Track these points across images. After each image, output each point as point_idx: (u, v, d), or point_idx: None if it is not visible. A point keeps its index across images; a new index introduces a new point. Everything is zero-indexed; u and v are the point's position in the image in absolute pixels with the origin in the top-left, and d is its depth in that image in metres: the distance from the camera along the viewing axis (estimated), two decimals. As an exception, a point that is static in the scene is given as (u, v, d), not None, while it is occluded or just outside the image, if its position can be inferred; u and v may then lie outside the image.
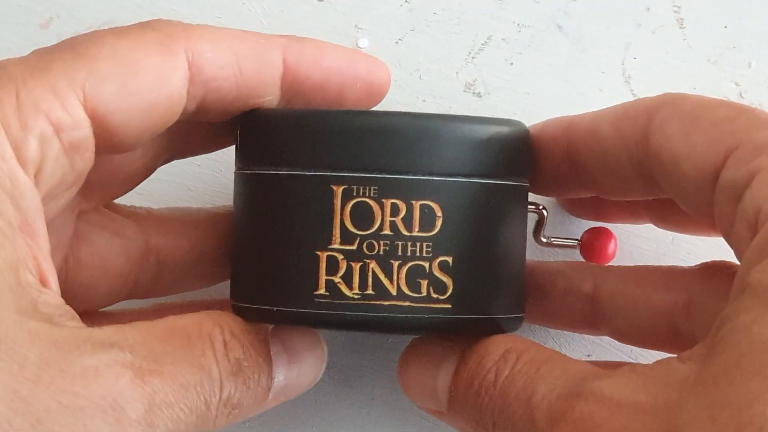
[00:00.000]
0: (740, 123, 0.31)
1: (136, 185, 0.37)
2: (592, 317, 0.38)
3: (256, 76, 0.34)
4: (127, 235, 0.37)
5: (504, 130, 0.34)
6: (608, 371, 0.30)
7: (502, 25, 0.44)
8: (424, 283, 0.33)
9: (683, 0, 0.42)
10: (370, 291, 0.33)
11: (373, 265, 0.33)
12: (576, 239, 0.40)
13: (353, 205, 0.33)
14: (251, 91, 0.34)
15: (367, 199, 0.33)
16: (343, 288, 0.33)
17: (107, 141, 0.32)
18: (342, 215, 0.33)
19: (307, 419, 0.41)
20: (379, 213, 0.33)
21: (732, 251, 0.31)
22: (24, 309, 0.29)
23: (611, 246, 0.40)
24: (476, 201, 0.33)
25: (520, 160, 0.35)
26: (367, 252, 0.33)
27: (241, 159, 0.35)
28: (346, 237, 0.33)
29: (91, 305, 0.36)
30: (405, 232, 0.33)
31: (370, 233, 0.33)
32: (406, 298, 0.33)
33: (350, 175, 0.33)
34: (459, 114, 0.35)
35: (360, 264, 0.33)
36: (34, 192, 0.30)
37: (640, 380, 0.29)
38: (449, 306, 0.33)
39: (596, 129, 0.34)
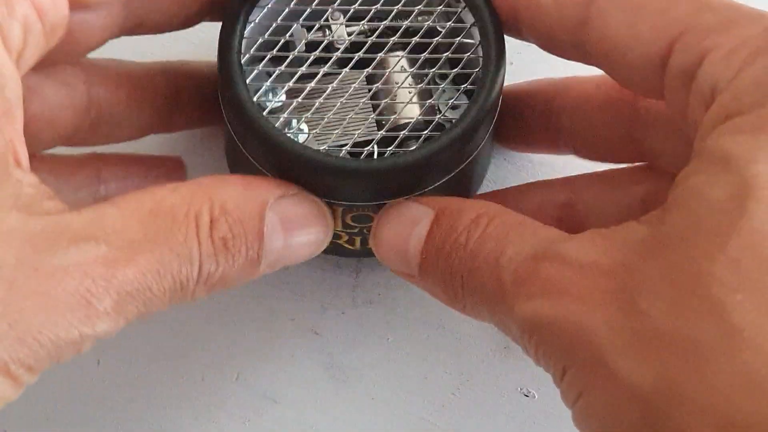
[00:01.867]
0: (683, 8, 0.32)
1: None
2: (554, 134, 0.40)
3: None
4: (72, 84, 0.37)
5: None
6: (573, 235, 0.31)
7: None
8: None
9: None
10: None
11: None
12: None
13: None
14: None
15: None
16: None
17: (88, 18, 0.33)
18: None
19: (306, 419, 0.41)
20: None
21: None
22: (6, 198, 0.30)
23: None
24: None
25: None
26: None
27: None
28: None
29: (30, 151, 0.36)
30: None
31: None
32: None
33: None
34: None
35: None
36: (17, 79, 0.31)
37: (602, 242, 0.30)
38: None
39: (539, 3, 0.34)
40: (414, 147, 0.35)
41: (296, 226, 0.34)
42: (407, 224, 0.35)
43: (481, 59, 0.36)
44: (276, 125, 0.35)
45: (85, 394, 0.42)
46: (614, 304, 0.28)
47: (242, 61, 0.36)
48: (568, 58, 0.35)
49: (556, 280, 0.30)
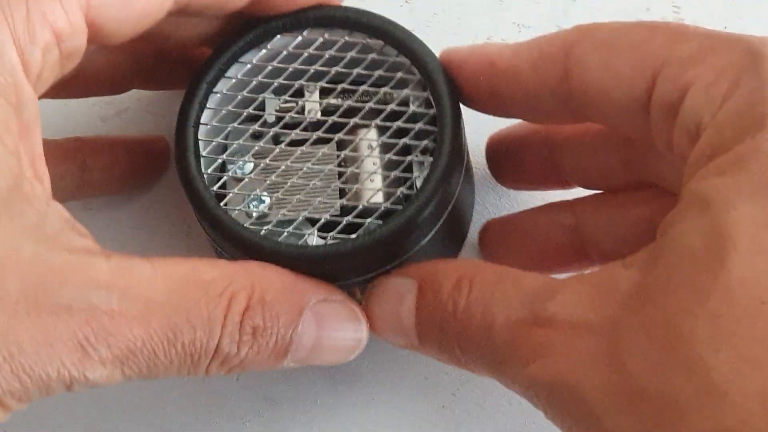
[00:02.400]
0: (659, 41, 0.31)
1: None
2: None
3: None
4: None
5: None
6: (558, 286, 0.31)
7: (502, 26, 0.44)
8: None
9: (683, 0, 0.42)
10: None
11: None
12: None
13: None
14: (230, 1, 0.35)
15: None
16: None
17: (93, 42, 0.33)
18: None
19: (307, 420, 0.41)
20: None
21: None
22: (25, 228, 0.30)
23: None
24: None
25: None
26: None
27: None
28: None
29: None
30: None
31: None
32: None
33: None
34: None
35: None
36: (35, 101, 0.31)
37: (586, 294, 0.30)
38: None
39: (516, 71, 0.34)
40: (367, 228, 0.35)
41: (330, 332, 0.34)
42: (394, 301, 0.35)
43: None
44: (224, 202, 0.36)
45: (86, 395, 0.42)
46: (603, 364, 0.28)
47: (200, 134, 0.36)
48: (557, 122, 0.35)
49: (547, 343, 0.30)
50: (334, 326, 0.34)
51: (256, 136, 0.37)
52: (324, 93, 0.37)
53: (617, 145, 0.38)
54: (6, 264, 0.29)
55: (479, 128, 0.42)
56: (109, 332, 0.30)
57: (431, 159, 0.35)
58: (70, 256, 0.30)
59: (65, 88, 0.38)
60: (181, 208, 0.44)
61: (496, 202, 0.43)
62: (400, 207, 0.35)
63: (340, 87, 0.37)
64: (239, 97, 0.37)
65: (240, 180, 0.37)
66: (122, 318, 0.30)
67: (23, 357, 0.29)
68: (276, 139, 0.38)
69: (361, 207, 0.36)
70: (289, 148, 0.37)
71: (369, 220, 0.35)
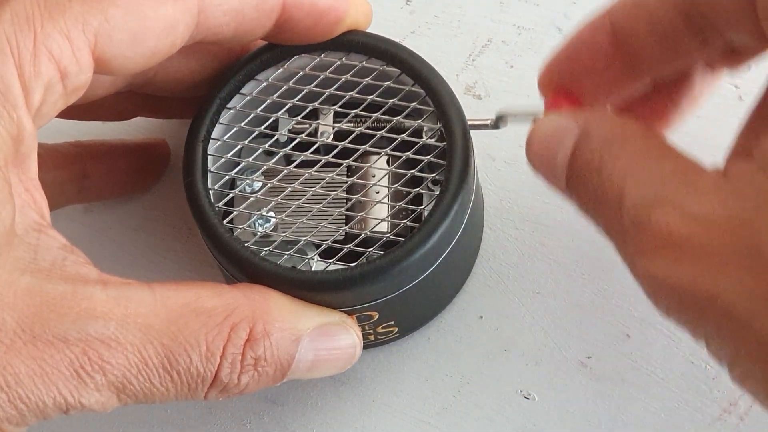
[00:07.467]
0: None
1: None
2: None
3: (255, 20, 0.35)
4: None
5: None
6: (693, 177, 0.30)
7: (502, 28, 0.44)
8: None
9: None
10: None
11: None
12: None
13: None
14: (246, 35, 0.35)
15: None
16: None
17: (99, 73, 0.33)
18: None
19: (307, 421, 0.41)
20: None
21: None
22: (21, 260, 0.30)
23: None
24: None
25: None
26: None
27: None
28: None
29: None
30: None
31: None
32: None
33: None
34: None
35: None
36: (34, 134, 0.31)
37: (721, 195, 0.28)
38: None
39: (641, 6, 0.33)
40: (369, 257, 0.35)
41: (326, 352, 0.35)
42: (555, 142, 0.33)
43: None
44: (229, 219, 0.36)
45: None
46: (740, 265, 0.27)
47: (210, 149, 0.36)
48: (680, 53, 0.34)
49: (672, 234, 0.29)
50: (330, 347, 0.35)
51: (267, 154, 0.37)
52: (338, 117, 0.37)
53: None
54: (2, 298, 0.29)
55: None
56: (105, 360, 0.30)
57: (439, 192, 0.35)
58: (66, 285, 0.30)
59: (68, 111, 0.38)
60: (182, 209, 0.44)
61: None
62: (403, 239, 0.35)
63: (353, 112, 0.37)
64: (252, 114, 0.37)
65: (247, 198, 0.37)
66: (118, 346, 0.30)
67: (20, 387, 0.29)
68: (287, 159, 0.38)
69: (363, 235, 0.36)
70: (298, 169, 0.37)
71: (370, 249, 0.35)
